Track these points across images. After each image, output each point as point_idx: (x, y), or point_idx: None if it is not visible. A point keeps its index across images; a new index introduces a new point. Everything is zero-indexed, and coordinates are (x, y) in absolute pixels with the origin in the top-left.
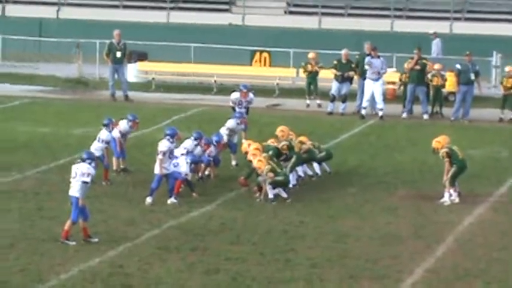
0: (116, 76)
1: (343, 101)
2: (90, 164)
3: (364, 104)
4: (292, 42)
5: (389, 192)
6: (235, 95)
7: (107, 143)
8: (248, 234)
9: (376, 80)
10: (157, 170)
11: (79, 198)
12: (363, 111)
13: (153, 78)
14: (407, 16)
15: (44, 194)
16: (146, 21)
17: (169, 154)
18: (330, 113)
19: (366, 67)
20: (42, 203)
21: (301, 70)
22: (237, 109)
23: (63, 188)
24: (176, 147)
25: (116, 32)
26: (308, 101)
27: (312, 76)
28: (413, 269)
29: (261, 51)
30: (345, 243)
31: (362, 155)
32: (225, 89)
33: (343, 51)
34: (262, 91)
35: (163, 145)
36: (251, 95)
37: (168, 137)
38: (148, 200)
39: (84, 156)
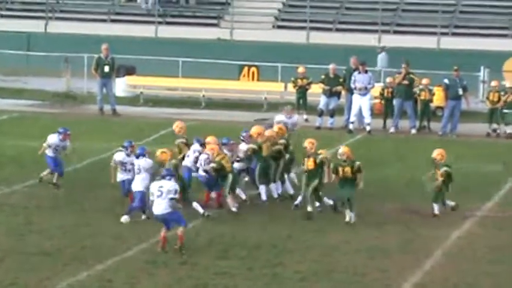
0: (104, 90)
1: (331, 116)
2: (170, 180)
3: (352, 118)
4: (280, 57)
5: (377, 206)
6: (280, 117)
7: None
8: (236, 249)
9: (364, 95)
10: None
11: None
12: (351, 126)
13: (141, 93)
14: (394, 31)
15: (32, 208)
16: (134, 35)
17: (126, 166)
18: (318, 128)
19: (351, 84)
20: (31, 217)
21: (290, 85)
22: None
23: (52, 202)
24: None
25: (103, 47)
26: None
27: (302, 91)
28: (401, 283)
29: (249, 66)
30: (332, 257)
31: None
32: (213, 104)
33: (331, 66)
34: (251, 106)
35: (119, 156)
36: (296, 116)
37: (124, 148)
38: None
39: (165, 173)
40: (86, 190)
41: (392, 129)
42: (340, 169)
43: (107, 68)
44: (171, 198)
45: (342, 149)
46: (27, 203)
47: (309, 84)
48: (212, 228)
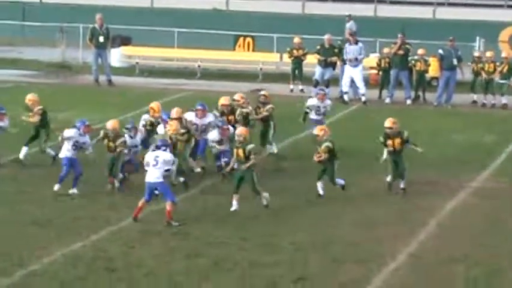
0: (99, 61)
1: (326, 86)
2: (165, 150)
3: (345, 88)
4: (275, 27)
5: (372, 176)
6: (313, 101)
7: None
8: (230, 219)
9: (355, 66)
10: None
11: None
12: (345, 97)
13: (136, 63)
14: (390, 1)
15: (24, 178)
16: (130, 5)
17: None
18: (349, 100)
19: (344, 55)
20: (23, 187)
21: (285, 55)
22: (313, 116)
23: (44, 172)
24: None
25: (98, 17)
26: (292, 86)
27: (297, 61)
28: (396, 253)
29: (245, 36)
30: (327, 227)
31: (345, 140)
32: (208, 74)
33: (326, 36)
34: (246, 76)
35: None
36: (328, 100)
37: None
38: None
39: (159, 143)
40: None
41: (387, 100)
42: (389, 141)
43: (101, 38)
44: (167, 170)
45: (388, 121)
46: (19, 173)
47: (305, 54)
48: (207, 198)
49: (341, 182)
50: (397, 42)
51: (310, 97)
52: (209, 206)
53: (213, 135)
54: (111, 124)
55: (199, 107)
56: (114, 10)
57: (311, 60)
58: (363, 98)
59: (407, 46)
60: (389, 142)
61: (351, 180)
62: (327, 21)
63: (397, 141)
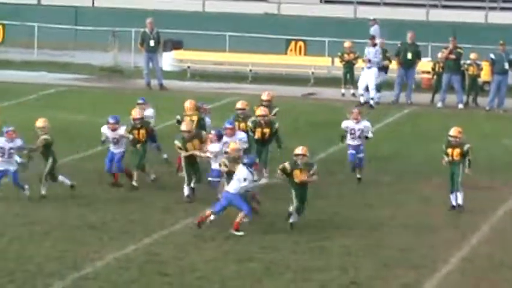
0: (150, 65)
1: (378, 90)
2: (249, 169)
3: (360, 91)
4: (327, 31)
5: (423, 181)
6: (347, 123)
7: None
8: (282, 223)
9: (368, 68)
10: None
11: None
12: (362, 99)
13: (188, 67)
14: (443, 5)
15: (78, 182)
16: (182, 9)
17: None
18: (365, 102)
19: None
20: (77, 191)
21: (337, 59)
22: (349, 140)
23: (99, 175)
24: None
25: (148, 21)
26: (343, 90)
27: (349, 65)
28: (448, 258)
29: (296, 40)
30: (379, 232)
31: (397, 144)
32: (260, 78)
33: (379, 40)
34: (297, 80)
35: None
36: (366, 122)
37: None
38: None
39: (246, 161)
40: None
41: (439, 104)
42: (449, 150)
43: (152, 42)
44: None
45: (454, 130)
46: (73, 176)
47: (356, 58)
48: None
49: None
50: (448, 46)
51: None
52: (261, 210)
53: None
54: (137, 113)
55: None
56: (165, 14)
57: (362, 65)
58: (371, 102)
59: (459, 50)
60: (450, 151)
61: (402, 185)
62: (380, 26)
63: (457, 151)
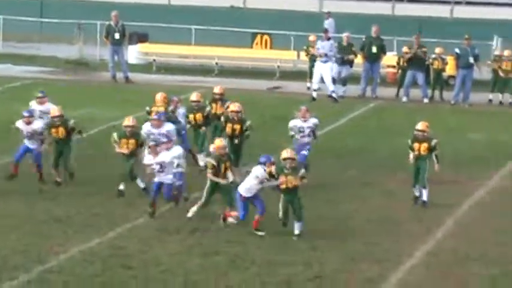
0: (115, 58)
1: (344, 84)
2: (263, 167)
3: (314, 86)
4: (293, 25)
5: (389, 175)
6: (295, 122)
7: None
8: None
9: (324, 62)
10: None
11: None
12: (314, 94)
13: (154, 60)
14: (408, 0)
15: (44, 176)
16: (148, 2)
17: None
18: (329, 96)
19: (316, 51)
20: (43, 185)
21: (302, 53)
22: (298, 137)
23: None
24: None
25: (113, 14)
26: (309, 84)
27: (314, 59)
28: (412, 252)
29: (262, 34)
30: (344, 227)
31: (362, 138)
32: (225, 71)
33: (345, 34)
34: (263, 74)
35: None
36: (314, 119)
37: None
38: None
39: (261, 159)
40: (98, 158)
41: (404, 99)
42: (416, 145)
43: (117, 35)
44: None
45: (421, 124)
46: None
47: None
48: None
49: None
50: (412, 41)
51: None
52: (227, 204)
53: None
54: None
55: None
56: (131, 7)
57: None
58: (334, 95)
59: (423, 50)
60: (416, 145)
61: (367, 180)
62: (345, 19)
63: (424, 146)
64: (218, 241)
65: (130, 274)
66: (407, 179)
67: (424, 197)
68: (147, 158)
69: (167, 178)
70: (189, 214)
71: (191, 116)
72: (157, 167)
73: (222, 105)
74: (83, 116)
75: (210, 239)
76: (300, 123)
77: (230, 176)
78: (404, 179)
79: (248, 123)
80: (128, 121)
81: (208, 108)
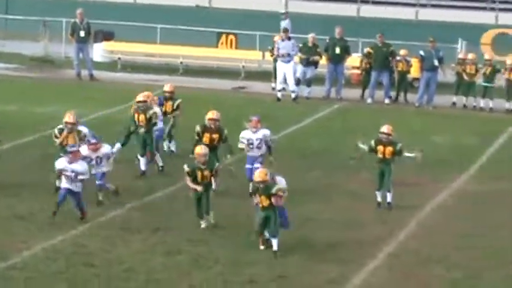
0: (80, 55)
1: (308, 85)
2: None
3: (279, 86)
4: (258, 25)
5: (352, 176)
6: (245, 133)
7: None
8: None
9: (287, 62)
10: None
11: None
12: (279, 94)
13: (119, 58)
14: (373, 1)
15: (5, 172)
16: (113, 1)
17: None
18: (295, 98)
19: (275, 51)
20: (5, 181)
21: (267, 53)
22: (248, 149)
23: (24, 165)
24: None
25: (78, 11)
26: (273, 84)
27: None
28: (375, 253)
29: (227, 34)
30: (307, 227)
31: (325, 139)
32: (190, 71)
33: (310, 35)
34: (228, 73)
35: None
36: (265, 130)
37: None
38: None
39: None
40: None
41: (369, 100)
42: (380, 147)
43: (82, 33)
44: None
45: (386, 127)
46: (0, 167)
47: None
48: (188, 195)
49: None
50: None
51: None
52: (190, 202)
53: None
54: (142, 96)
55: None
56: (97, 5)
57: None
58: (293, 95)
59: (391, 49)
60: (380, 148)
61: (331, 181)
62: (311, 20)
63: (389, 149)
64: (181, 240)
65: (93, 272)
66: (371, 180)
67: (389, 198)
68: (60, 162)
69: (75, 186)
70: (203, 225)
71: (136, 117)
72: (71, 175)
73: (173, 104)
74: (47, 114)
75: (173, 237)
76: (250, 135)
77: (213, 184)
78: (368, 180)
79: (226, 131)
80: (68, 118)
81: (151, 111)
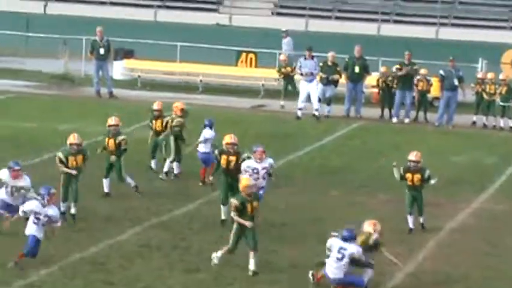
0: (100, 73)
1: (328, 104)
2: (351, 243)
3: (300, 105)
4: (278, 44)
5: (371, 196)
6: (249, 163)
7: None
8: (229, 234)
9: (310, 81)
10: None
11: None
12: (299, 113)
13: (138, 76)
14: (394, 20)
15: None
16: (134, 18)
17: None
18: (314, 115)
19: (297, 70)
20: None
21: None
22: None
23: (47, 182)
24: None
25: (98, 29)
26: (282, 102)
27: (287, 78)
28: (394, 272)
29: (247, 52)
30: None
31: (345, 158)
32: (210, 89)
33: (330, 54)
34: (248, 92)
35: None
36: (270, 160)
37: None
38: None
39: (346, 234)
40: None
41: (394, 119)
42: (409, 175)
43: (102, 51)
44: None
45: (415, 155)
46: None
47: (293, 70)
48: (206, 213)
49: None
50: (400, 62)
51: (248, 157)
52: (210, 220)
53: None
54: (114, 119)
55: None
56: (117, 23)
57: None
58: (316, 113)
59: (415, 67)
60: (409, 176)
61: (351, 199)
62: (330, 39)
63: (417, 177)
64: (200, 258)
65: None
66: (389, 200)
67: (422, 220)
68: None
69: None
70: (215, 260)
71: (106, 141)
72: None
73: (162, 121)
74: (66, 131)
75: (192, 255)
76: (255, 165)
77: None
78: (387, 200)
79: (245, 155)
80: (74, 138)
81: (122, 137)
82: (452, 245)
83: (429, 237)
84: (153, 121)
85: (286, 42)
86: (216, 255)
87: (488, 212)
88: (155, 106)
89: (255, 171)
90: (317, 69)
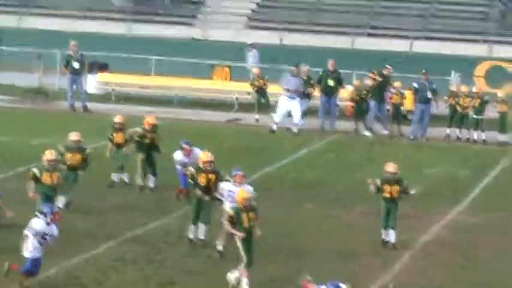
0: (74, 87)
1: (302, 117)
2: None
3: (276, 119)
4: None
5: (346, 209)
6: (227, 186)
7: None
8: (205, 248)
9: (293, 98)
10: None
11: None
12: (274, 126)
13: (113, 90)
14: (368, 34)
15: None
16: (108, 32)
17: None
18: (288, 129)
19: (282, 85)
20: None
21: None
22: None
23: (19, 197)
24: None
25: (72, 43)
26: (257, 116)
27: (260, 91)
28: (368, 285)
29: (222, 66)
30: (301, 259)
31: (320, 171)
32: (185, 102)
33: (305, 68)
34: (222, 105)
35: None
36: (248, 186)
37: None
38: None
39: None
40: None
41: (367, 133)
42: (387, 187)
43: (76, 65)
44: None
45: (391, 166)
46: None
47: (265, 83)
48: (181, 226)
49: None
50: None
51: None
52: (185, 234)
53: None
54: (75, 135)
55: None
56: (92, 37)
57: (275, 90)
58: (295, 129)
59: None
60: (387, 188)
61: (326, 213)
62: (305, 53)
63: (396, 188)
64: (175, 271)
65: None
66: (365, 211)
67: (393, 239)
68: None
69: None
70: (233, 281)
71: (68, 156)
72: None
73: (124, 135)
74: (40, 146)
75: (167, 269)
76: (232, 187)
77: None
78: (362, 212)
79: (222, 173)
80: (50, 155)
81: (87, 151)
82: (427, 257)
83: (404, 250)
84: (114, 134)
85: (252, 55)
86: (232, 277)
87: (462, 224)
88: (117, 119)
89: (231, 193)
90: (302, 88)
